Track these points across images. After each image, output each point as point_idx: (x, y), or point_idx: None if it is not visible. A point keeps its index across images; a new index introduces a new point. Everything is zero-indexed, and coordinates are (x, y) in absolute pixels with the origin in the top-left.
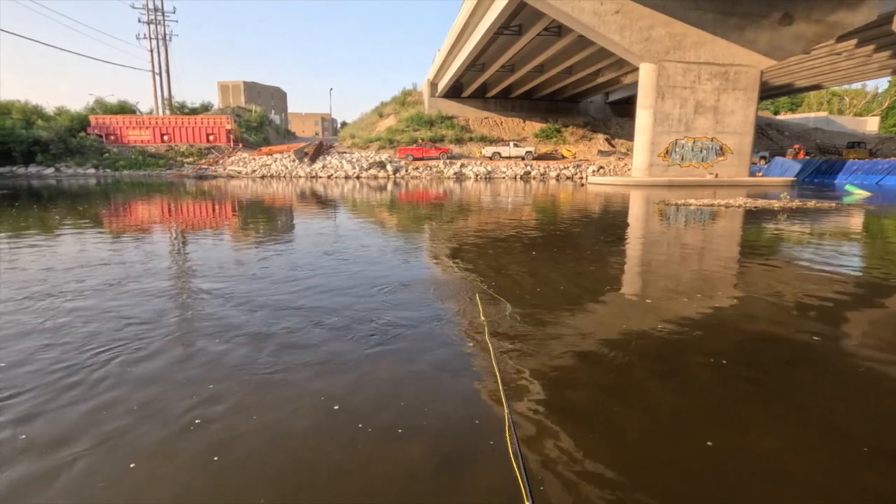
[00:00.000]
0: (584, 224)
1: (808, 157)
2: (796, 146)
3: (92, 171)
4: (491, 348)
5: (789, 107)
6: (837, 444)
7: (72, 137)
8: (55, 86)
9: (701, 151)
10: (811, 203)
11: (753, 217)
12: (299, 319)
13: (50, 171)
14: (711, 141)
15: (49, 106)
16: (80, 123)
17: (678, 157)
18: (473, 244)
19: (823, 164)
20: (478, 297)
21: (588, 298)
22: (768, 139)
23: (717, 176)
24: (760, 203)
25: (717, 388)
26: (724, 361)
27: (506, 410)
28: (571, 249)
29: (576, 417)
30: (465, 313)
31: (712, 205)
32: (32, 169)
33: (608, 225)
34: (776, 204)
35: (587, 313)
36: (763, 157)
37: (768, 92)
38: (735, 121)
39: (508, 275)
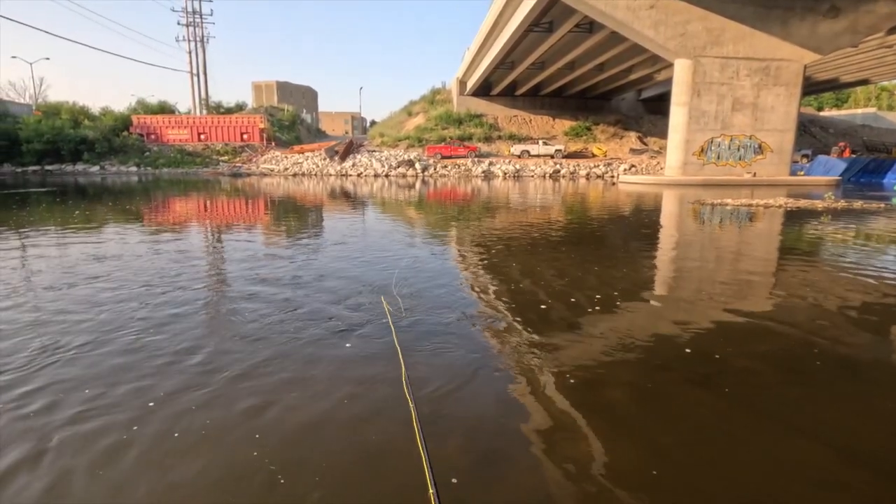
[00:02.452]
0: (615, 224)
1: (854, 156)
2: (841, 144)
3: (134, 168)
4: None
5: (834, 102)
6: (888, 452)
7: (115, 137)
8: (100, 87)
9: (738, 150)
10: (858, 204)
11: (795, 218)
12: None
13: (95, 168)
14: (750, 139)
15: (94, 106)
16: (123, 123)
17: (714, 156)
18: (499, 244)
19: (871, 162)
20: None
21: (619, 301)
22: (811, 136)
23: (755, 175)
24: (803, 203)
25: (756, 396)
26: (766, 368)
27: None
28: (601, 251)
29: (605, 420)
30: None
31: (750, 205)
32: (79, 167)
33: (640, 225)
34: (820, 204)
35: (617, 316)
36: (805, 156)
37: (812, 87)
38: (775, 118)
39: (535, 275)
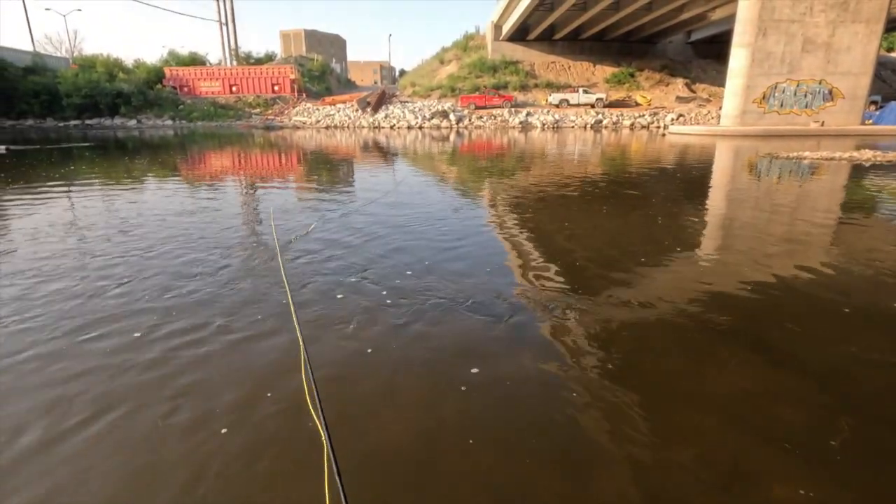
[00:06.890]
0: (690, 186)
1: None
2: None
3: (169, 122)
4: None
5: None
6: None
7: (149, 90)
8: (131, 39)
9: (805, 96)
10: None
11: (889, 174)
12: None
13: (132, 122)
14: (819, 84)
15: (127, 59)
16: (156, 75)
17: (777, 103)
18: (551, 202)
19: None
20: None
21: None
22: (881, 81)
23: (822, 124)
24: (892, 156)
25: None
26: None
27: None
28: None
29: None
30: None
31: (831, 158)
32: (117, 121)
33: (698, 185)
34: None
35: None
36: (874, 103)
37: (891, 24)
38: (851, 59)
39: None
